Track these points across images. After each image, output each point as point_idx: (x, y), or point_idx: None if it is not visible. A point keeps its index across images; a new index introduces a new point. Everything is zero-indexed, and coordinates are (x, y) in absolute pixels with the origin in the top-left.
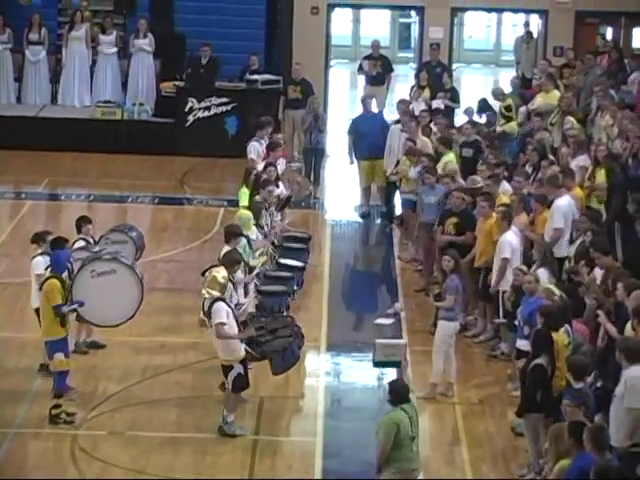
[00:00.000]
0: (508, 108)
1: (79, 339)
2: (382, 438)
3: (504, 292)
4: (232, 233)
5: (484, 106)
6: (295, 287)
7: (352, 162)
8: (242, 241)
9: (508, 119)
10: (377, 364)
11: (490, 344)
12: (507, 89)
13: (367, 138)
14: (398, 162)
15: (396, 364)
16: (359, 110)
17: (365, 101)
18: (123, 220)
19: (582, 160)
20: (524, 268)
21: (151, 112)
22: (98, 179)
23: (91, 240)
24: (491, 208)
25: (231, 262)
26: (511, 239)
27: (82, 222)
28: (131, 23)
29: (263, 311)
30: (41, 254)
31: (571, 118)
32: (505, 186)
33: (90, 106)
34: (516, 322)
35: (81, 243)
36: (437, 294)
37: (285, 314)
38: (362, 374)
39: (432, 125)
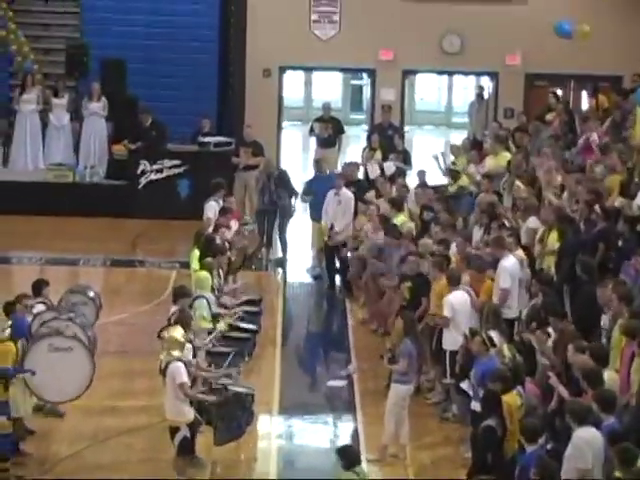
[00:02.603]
0: (453, 164)
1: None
2: None
3: (452, 352)
4: (180, 294)
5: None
6: (247, 350)
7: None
8: (202, 302)
9: (455, 175)
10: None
11: (442, 406)
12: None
13: (320, 200)
14: (332, 226)
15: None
16: (311, 172)
17: (317, 164)
18: (75, 282)
19: (532, 222)
20: (467, 333)
21: (103, 175)
22: (50, 242)
23: (49, 303)
24: (440, 270)
25: (187, 320)
26: (453, 299)
27: (42, 284)
28: (83, 85)
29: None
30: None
31: (518, 182)
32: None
33: (42, 169)
34: (463, 385)
35: (41, 306)
36: (391, 357)
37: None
38: (315, 437)
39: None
